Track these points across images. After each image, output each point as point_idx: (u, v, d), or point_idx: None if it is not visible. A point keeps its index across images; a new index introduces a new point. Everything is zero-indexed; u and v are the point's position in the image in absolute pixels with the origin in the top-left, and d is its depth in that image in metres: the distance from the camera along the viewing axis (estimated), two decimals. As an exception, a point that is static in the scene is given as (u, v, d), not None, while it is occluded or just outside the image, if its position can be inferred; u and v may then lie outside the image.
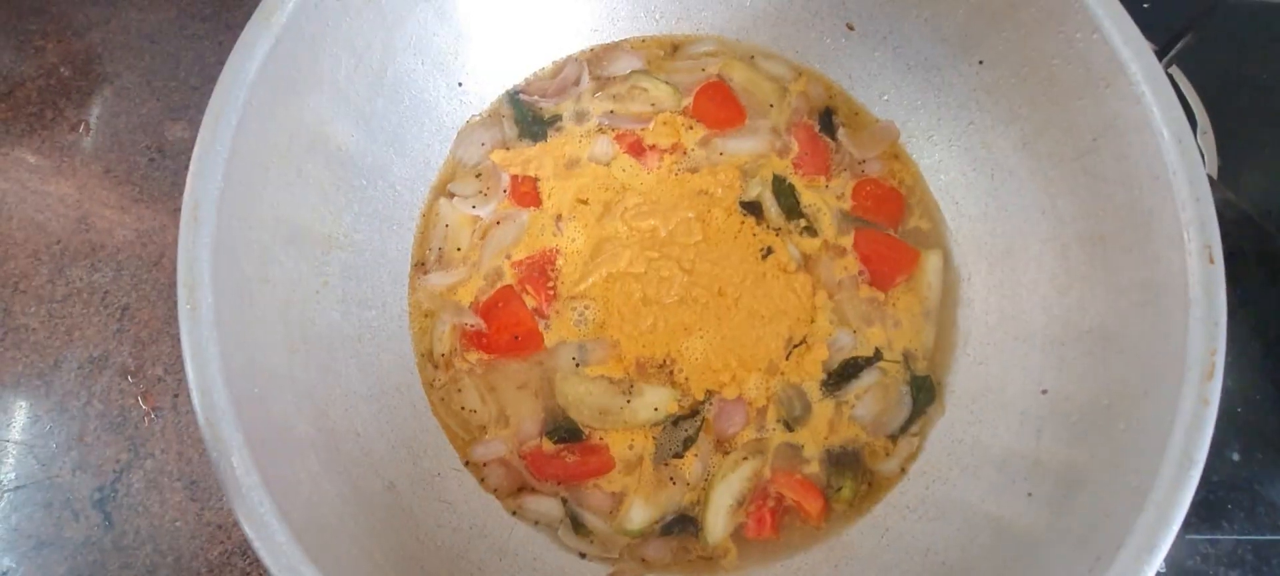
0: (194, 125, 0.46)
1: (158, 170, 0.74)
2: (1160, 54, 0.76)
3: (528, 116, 0.67)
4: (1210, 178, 0.69)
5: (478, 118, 0.67)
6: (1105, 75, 0.52)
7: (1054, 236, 0.58)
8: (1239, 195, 0.71)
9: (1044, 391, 0.56)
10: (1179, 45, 0.76)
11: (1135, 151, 0.51)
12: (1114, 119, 0.52)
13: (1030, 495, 0.52)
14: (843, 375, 0.62)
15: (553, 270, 0.63)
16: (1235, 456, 0.68)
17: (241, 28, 0.48)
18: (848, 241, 0.65)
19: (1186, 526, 0.62)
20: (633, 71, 0.69)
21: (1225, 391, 0.69)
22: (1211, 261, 0.47)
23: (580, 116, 0.67)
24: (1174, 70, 0.78)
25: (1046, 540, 0.49)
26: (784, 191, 0.66)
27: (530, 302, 0.62)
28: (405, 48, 0.59)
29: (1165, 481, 0.44)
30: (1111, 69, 0.51)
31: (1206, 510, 0.66)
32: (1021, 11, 0.56)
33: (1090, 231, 0.55)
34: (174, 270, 0.47)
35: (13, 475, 0.64)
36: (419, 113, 0.63)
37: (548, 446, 0.59)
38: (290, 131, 0.51)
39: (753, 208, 0.66)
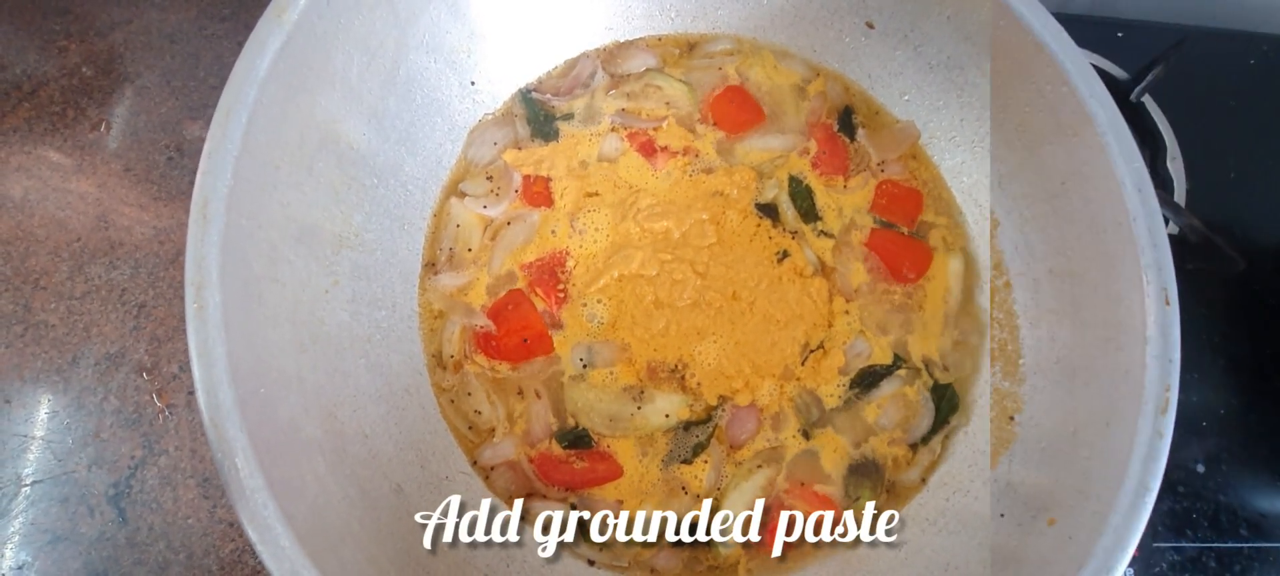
0: (212, 124, 0.46)
1: (176, 169, 0.75)
2: (1133, 82, 0.81)
3: (540, 115, 0.66)
4: (1177, 204, 0.77)
5: (490, 117, 0.66)
6: (1072, 124, 0.55)
7: (1027, 271, 0.61)
8: (1206, 219, 0.75)
9: (1012, 418, 0.58)
10: (1151, 75, 0.80)
11: (1100, 196, 0.54)
12: (1081, 166, 0.55)
13: (1002, 516, 0.54)
14: (863, 383, 0.60)
15: (563, 272, 0.62)
16: (1200, 468, 0.72)
17: (259, 28, 0.48)
18: (863, 241, 0.64)
19: (1154, 535, 0.67)
20: (647, 70, 0.68)
21: (1191, 405, 0.72)
22: (1167, 304, 0.50)
23: (592, 114, 0.66)
24: (1146, 98, 0.81)
25: (1021, 559, 0.51)
26: (801, 193, 0.65)
27: (540, 305, 0.61)
28: (418, 46, 0.59)
29: (1123, 507, 0.47)
30: (1078, 119, 0.54)
31: (1172, 519, 0.70)
32: (998, 60, 0.59)
33: (1060, 268, 0.58)
34: (188, 268, 0.47)
35: (31, 470, 0.64)
36: (431, 111, 0.62)
37: (557, 450, 0.58)
38: (301, 129, 0.51)
39: (768, 210, 0.64)
